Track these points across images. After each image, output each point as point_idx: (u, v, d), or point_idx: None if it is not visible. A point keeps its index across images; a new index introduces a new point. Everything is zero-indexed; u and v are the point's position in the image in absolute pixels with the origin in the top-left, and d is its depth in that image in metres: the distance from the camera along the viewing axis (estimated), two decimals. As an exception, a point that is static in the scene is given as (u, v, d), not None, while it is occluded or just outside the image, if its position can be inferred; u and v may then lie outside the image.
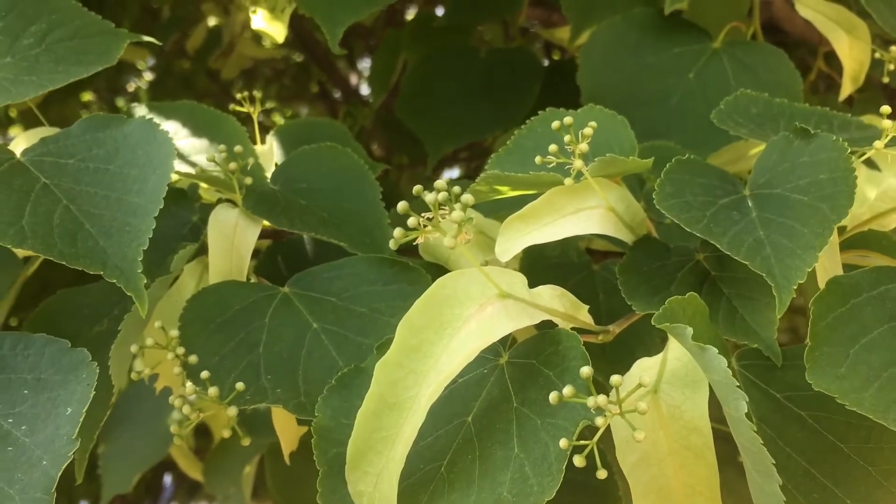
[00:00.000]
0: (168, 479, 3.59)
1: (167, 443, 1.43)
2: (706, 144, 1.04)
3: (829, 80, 1.82)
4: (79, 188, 0.74)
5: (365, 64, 2.95)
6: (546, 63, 1.77)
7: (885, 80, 1.06)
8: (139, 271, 0.69)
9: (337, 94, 2.80)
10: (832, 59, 1.62)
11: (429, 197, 0.58)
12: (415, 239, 0.59)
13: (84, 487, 3.06)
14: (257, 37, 2.42)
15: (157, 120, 0.91)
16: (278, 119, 2.70)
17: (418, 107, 1.53)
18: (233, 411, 0.70)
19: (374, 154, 2.50)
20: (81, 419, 0.64)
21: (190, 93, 2.42)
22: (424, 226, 0.59)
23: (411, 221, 0.58)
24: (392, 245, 0.59)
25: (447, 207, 0.59)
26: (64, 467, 0.62)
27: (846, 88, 1.13)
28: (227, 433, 0.71)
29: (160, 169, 0.75)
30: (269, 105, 1.08)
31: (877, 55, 1.11)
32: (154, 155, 0.76)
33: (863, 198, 0.77)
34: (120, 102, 2.76)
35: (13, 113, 2.15)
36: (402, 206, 0.59)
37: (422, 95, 1.54)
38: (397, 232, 0.58)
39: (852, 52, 1.10)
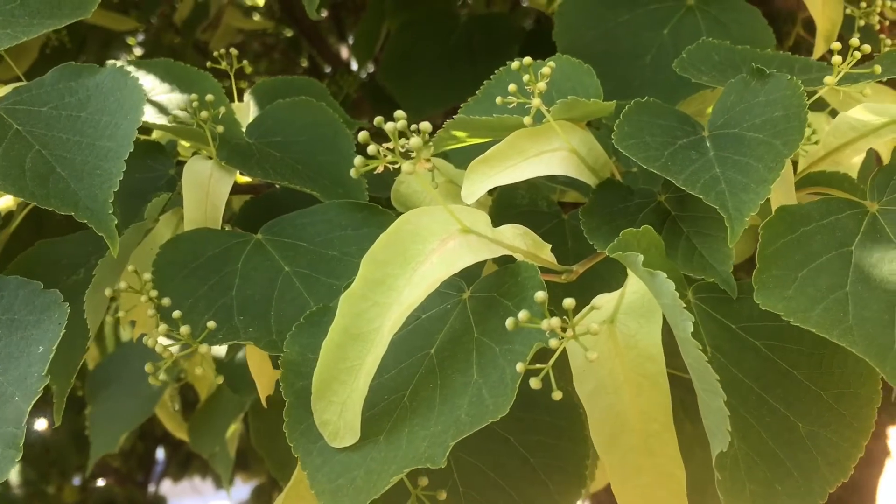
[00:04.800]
0: (161, 453, 3.62)
1: (153, 403, 1.45)
2: (678, 100, 1.06)
3: (808, 47, 1.83)
4: (51, 134, 0.75)
5: (356, 39, 2.96)
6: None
7: (856, 35, 1.07)
8: (110, 212, 0.71)
9: (327, 69, 2.80)
10: (810, 26, 1.63)
11: (388, 126, 0.60)
12: (374, 169, 0.61)
13: (76, 459, 3.09)
14: (246, 9, 2.43)
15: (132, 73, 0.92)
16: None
17: (399, 72, 1.54)
18: (204, 348, 0.72)
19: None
20: (51, 356, 0.65)
21: (179, 67, 2.41)
22: (385, 155, 0.60)
23: (371, 149, 0.59)
24: (353, 174, 0.60)
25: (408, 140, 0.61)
26: (34, 401, 0.63)
27: (819, 48, 1.14)
28: (198, 370, 0.73)
29: (131, 114, 0.76)
30: (245, 63, 1.08)
31: (848, 11, 1.12)
32: (125, 101, 0.77)
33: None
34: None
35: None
36: (362, 135, 0.60)
37: (403, 60, 1.55)
38: (358, 160, 0.60)
39: (825, 10, 1.12)
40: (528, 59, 0.73)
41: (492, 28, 1.54)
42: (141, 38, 2.58)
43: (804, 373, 0.67)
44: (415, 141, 0.59)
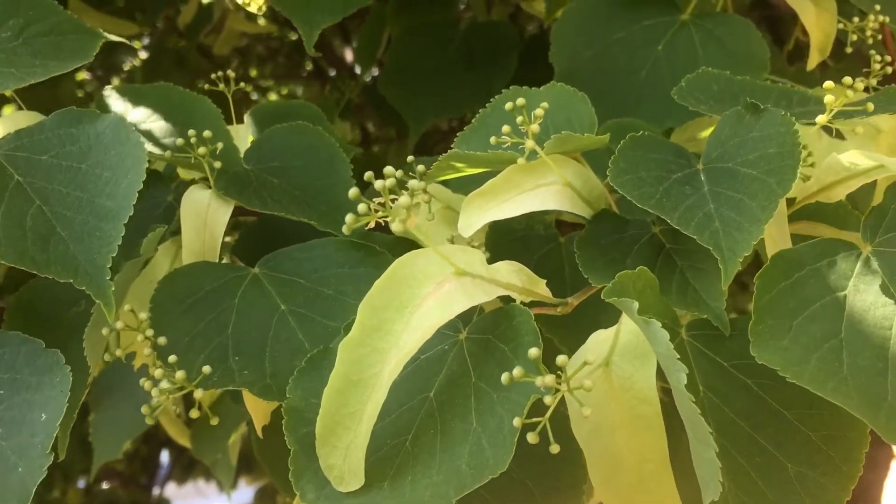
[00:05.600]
0: (165, 456, 3.64)
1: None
2: (674, 115, 1.05)
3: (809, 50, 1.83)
4: (51, 187, 0.75)
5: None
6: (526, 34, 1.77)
7: (848, 49, 1.08)
8: (108, 278, 0.72)
9: (332, 73, 2.80)
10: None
11: (378, 183, 0.60)
12: (366, 224, 0.61)
13: (80, 463, 3.10)
14: (250, 14, 2.43)
15: (130, 105, 0.92)
16: (273, 99, 2.69)
17: (399, 81, 1.54)
18: (199, 394, 0.73)
19: (366, 130, 2.51)
20: (56, 432, 0.65)
21: (184, 71, 2.41)
22: (376, 210, 0.61)
23: (361, 208, 0.60)
24: (345, 230, 0.61)
25: (398, 191, 0.61)
26: (40, 480, 0.63)
27: (813, 59, 1.15)
28: (194, 414, 0.74)
29: (131, 172, 0.76)
30: (244, 85, 1.09)
31: (840, 26, 1.12)
32: (126, 156, 0.77)
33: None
34: (116, 82, 2.75)
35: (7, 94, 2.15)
36: (353, 192, 0.61)
37: (402, 69, 1.55)
38: (349, 218, 0.61)
39: (819, 22, 1.12)
40: (521, 101, 0.73)
41: (491, 35, 1.54)
42: (146, 41, 2.58)
43: (794, 413, 0.68)
44: (403, 199, 0.59)
